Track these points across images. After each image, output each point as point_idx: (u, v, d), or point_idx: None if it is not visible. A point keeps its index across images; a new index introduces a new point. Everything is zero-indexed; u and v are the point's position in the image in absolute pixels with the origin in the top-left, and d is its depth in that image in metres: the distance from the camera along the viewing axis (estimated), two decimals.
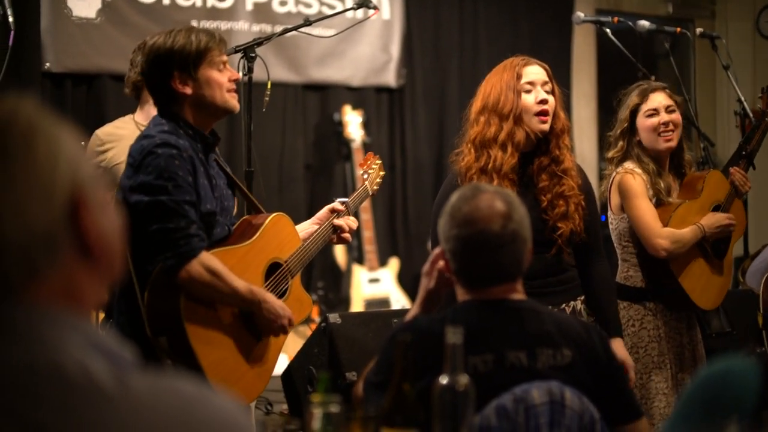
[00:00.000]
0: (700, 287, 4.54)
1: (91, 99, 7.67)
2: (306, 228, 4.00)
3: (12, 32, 5.36)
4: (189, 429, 1.30)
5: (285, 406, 4.89)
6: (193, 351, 3.36)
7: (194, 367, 3.34)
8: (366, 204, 8.19)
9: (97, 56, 7.59)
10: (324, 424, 2.02)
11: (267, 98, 4.77)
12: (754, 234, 6.69)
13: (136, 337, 3.38)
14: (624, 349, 4.10)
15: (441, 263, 2.77)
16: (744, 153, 4.93)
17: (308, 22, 5.05)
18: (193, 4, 8.06)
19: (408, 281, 8.70)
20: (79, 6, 7.55)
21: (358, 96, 8.82)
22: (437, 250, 2.78)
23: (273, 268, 3.72)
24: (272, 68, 5.08)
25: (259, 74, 4.73)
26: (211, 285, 3.39)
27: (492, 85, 4.06)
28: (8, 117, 1.35)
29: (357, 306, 8.14)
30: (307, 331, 6.60)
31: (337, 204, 4.07)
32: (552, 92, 4.02)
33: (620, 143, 4.65)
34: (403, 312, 4.90)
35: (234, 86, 3.61)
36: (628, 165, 4.56)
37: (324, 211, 4.06)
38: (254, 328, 3.60)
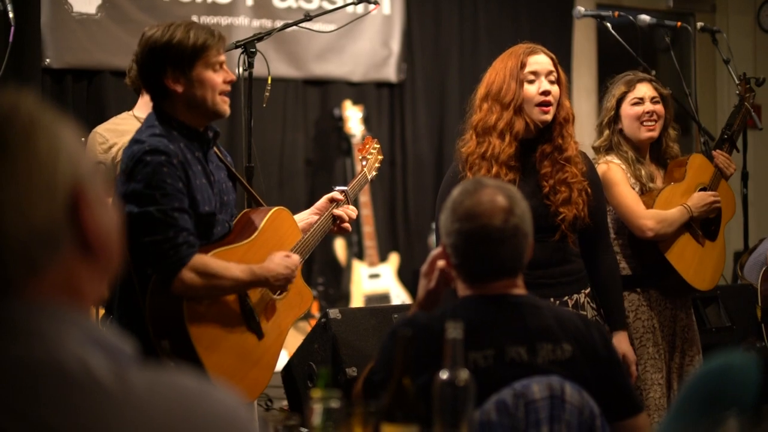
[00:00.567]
0: (694, 268, 4.55)
1: (91, 95, 7.66)
2: (305, 218, 3.98)
3: (12, 28, 5.36)
4: (189, 423, 1.30)
5: (285, 402, 4.90)
6: (197, 353, 3.36)
7: (197, 368, 3.33)
8: (366, 199, 8.19)
9: (98, 52, 7.58)
10: (324, 420, 2.02)
11: (267, 93, 4.76)
12: (753, 228, 6.70)
13: (138, 338, 3.37)
14: (628, 343, 4.11)
15: (441, 263, 2.77)
16: (726, 136, 4.96)
17: (308, 17, 5.04)
18: (194, 0, 8.06)
19: (408, 277, 8.70)
20: (79, 2, 7.54)
21: (358, 91, 8.82)
22: (436, 251, 2.77)
23: None
24: (272, 63, 5.07)
25: (259, 69, 4.73)
26: (209, 286, 3.38)
27: (496, 72, 4.07)
28: (9, 112, 1.34)
29: (357, 301, 8.14)
30: (307, 326, 6.60)
31: (336, 193, 4.06)
32: (557, 81, 4.02)
33: (605, 132, 4.68)
34: (403, 307, 4.90)
35: (228, 88, 3.54)
36: (606, 156, 4.59)
37: (323, 201, 4.05)
38: (256, 325, 3.60)
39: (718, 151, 4.85)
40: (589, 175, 4.08)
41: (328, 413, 2.02)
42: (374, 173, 4.42)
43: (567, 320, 2.74)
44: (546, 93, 3.96)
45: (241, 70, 4.64)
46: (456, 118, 8.99)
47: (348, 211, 4.04)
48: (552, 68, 4.02)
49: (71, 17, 7.51)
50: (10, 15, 5.38)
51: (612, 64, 9.82)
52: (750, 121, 5.85)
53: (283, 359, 5.41)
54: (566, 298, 3.99)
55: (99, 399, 1.26)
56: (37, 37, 7.38)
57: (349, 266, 8.34)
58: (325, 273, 8.52)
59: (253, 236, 3.64)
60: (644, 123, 4.58)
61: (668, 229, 4.47)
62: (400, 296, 8.26)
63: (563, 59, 9.42)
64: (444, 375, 2.15)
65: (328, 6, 8.23)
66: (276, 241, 3.73)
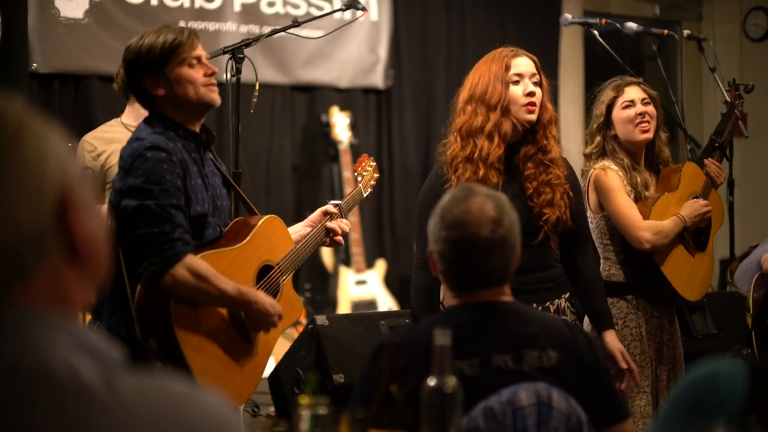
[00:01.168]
0: (685, 279, 4.56)
1: (78, 100, 7.64)
2: (299, 230, 3.99)
3: None
4: (178, 428, 1.30)
5: (272, 408, 4.89)
6: (183, 354, 3.36)
7: (183, 370, 3.34)
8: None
9: (85, 57, 7.56)
10: (312, 426, 2.02)
11: (255, 99, 4.76)
12: (739, 236, 6.72)
13: (126, 337, 3.39)
14: (617, 341, 4.13)
15: None
16: (717, 145, 4.97)
17: (296, 23, 5.04)
18: (181, 5, 8.05)
19: (395, 283, 8.69)
20: (66, 6, 7.53)
21: (345, 97, 8.82)
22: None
23: (265, 271, 3.72)
24: (260, 69, 5.06)
25: (247, 75, 4.73)
26: (198, 288, 3.38)
27: (480, 75, 4.08)
28: None
29: (344, 308, 8.14)
30: (294, 333, 6.59)
31: (329, 206, 4.07)
32: (539, 84, 4.06)
33: (597, 138, 4.67)
34: (390, 314, 4.90)
35: (211, 80, 3.56)
36: (602, 162, 4.58)
37: (317, 214, 4.06)
38: (245, 331, 3.60)
39: (709, 159, 4.85)
40: (571, 179, 4.12)
41: (316, 420, 2.02)
42: (369, 190, 4.44)
43: (553, 327, 2.75)
44: (531, 94, 4.00)
45: (228, 75, 4.64)
46: (443, 125, 9.00)
47: (341, 225, 4.05)
48: (535, 71, 4.06)
49: (58, 22, 7.49)
50: None
51: (599, 72, 9.83)
52: (737, 129, 5.87)
53: (270, 365, 5.39)
54: (548, 303, 4.02)
55: (88, 404, 1.26)
56: (24, 42, 7.35)
57: (336, 272, 8.34)
58: (312, 279, 8.51)
59: (244, 241, 3.64)
60: (639, 125, 4.57)
61: (664, 241, 4.48)
62: (386, 303, 8.26)
63: (550, 66, 9.45)
64: (432, 382, 2.15)
65: (316, 12, 8.23)
66: (267, 248, 3.73)
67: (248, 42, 4.72)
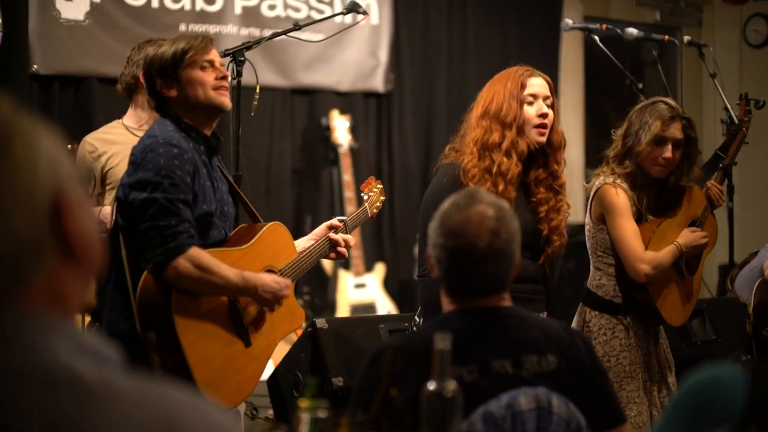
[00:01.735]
0: (670, 304, 4.56)
1: (79, 101, 7.64)
2: (302, 243, 4.04)
3: (0, 33, 5.35)
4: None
5: (271, 411, 4.89)
6: (182, 347, 3.39)
7: (181, 363, 3.37)
8: (352, 209, 8.18)
9: (86, 59, 7.56)
10: (311, 430, 2.02)
11: (255, 102, 4.76)
12: (738, 242, 6.72)
13: (126, 332, 3.44)
14: None
15: None
16: (721, 165, 4.94)
17: (297, 26, 5.05)
18: (182, 8, 8.05)
19: (394, 287, 8.70)
20: (67, 8, 7.52)
21: (345, 101, 8.82)
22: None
23: None
24: (261, 72, 5.07)
25: (247, 78, 4.73)
26: (201, 279, 3.43)
27: (495, 92, 4.13)
28: None
29: (343, 311, 8.14)
30: (294, 336, 6.59)
31: (335, 221, 4.14)
32: (552, 107, 4.11)
33: (621, 149, 4.57)
34: (389, 317, 4.90)
35: (222, 84, 3.68)
36: (614, 177, 4.53)
37: (322, 228, 4.12)
38: (244, 332, 3.61)
39: (711, 182, 4.82)
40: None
41: (315, 423, 2.02)
42: (375, 211, 4.48)
43: (552, 331, 2.75)
44: (544, 115, 4.07)
45: (229, 79, 4.64)
46: (443, 129, 9.00)
47: (346, 237, 4.10)
48: (548, 93, 4.12)
49: (59, 23, 7.49)
50: None
51: (599, 77, 9.86)
52: None
53: (269, 368, 5.39)
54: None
55: (87, 402, 1.26)
56: (25, 44, 7.35)
57: (335, 276, 8.34)
58: (311, 282, 8.51)
59: (249, 243, 3.70)
60: (658, 164, 4.52)
61: (661, 274, 4.47)
62: (385, 306, 8.26)
63: (551, 71, 9.43)
64: (431, 386, 2.15)
65: (317, 16, 8.22)
66: (271, 253, 3.77)
67: (249, 45, 4.73)
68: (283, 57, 8.42)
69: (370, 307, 8.20)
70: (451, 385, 2.15)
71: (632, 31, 5.80)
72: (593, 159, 4.82)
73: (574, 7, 9.83)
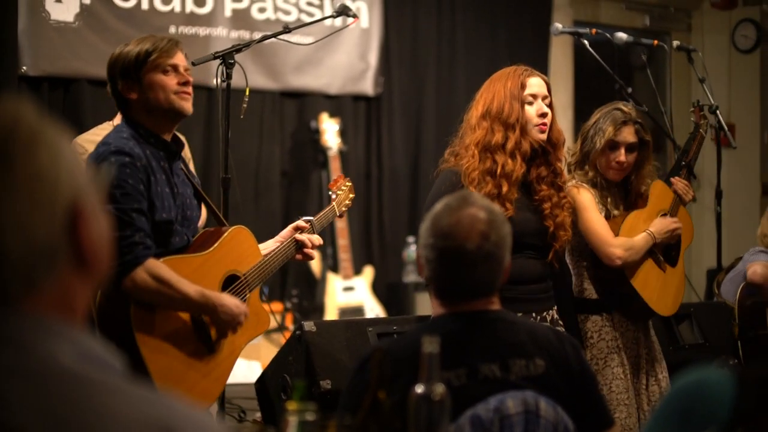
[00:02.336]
0: (657, 294, 4.58)
1: (68, 103, 7.63)
2: (269, 246, 3.98)
3: None
4: None
5: (258, 414, 4.88)
6: (142, 357, 3.36)
7: (142, 374, 3.33)
8: None
9: (75, 60, 7.55)
10: None
11: (245, 105, 4.76)
12: (726, 246, 6.73)
13: None
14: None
15: None
16: (684, 163, 4.99)
17: (287, 29, 5.05)
18: (172, 10, 8.04)
19: (382, 290, 8.70)
20: (57, 9, 7.51)
21: (335, 104, 8.82)
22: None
23: (230, 281, 3.71)
24: (250, 75, 5.07)
25: (237, 81, 4.73)
26: (159, 292, 3.39)
27: (495, 92, 4.12)
28: (11, 125, 1.33)
29: (331, 314, 8.13)
30: (281, 338, 6.59)
31: (301, 222, 4.08)
32: (550, 105, 4.13)
33: (578, 155, 4.69)
34: (377, 321, 4.90)
35: (184, 89, 3.62)
36: (578, 179, 4.61)
37: (287, 230, 4.06)
38: (206, 336, 3.59)
39: (677, 177, 4.88)
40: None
41: (303, 426, 2.02)
42: (344, 209, 4.43)
43: (540, 335, 2.75)
44: (544, 115, 4.10)
45: (219, 81, 4.64)
46: (432, 133, 9.02)
47: (312, 238, 4.04)
48: (547, 92, 4.14)
49: (49, 25, 7.48)
50: None
51: (589, 82, 9.87)
52: (724, 140, 5.90)
53: (257, 371, 5.38)
54: (545, 313, 4.13)
55: (87, 403, 1.26)
56: (14, 45, 7.34)
57: (323, 279, 8.33)
58: (299, 285, 8.51)
59: (210, 249, 3.64)
60: (613, 169, 4.61)
61: (635, 257, 4.51)
62: (374, 309, 8.26)
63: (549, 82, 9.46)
64: (419, 389, 2.15)
65: (307, 19, 8.23)
66: (234, 258, 3.72)
67: (239, 48, 4.73)
68: (272, 60, 8.42)
69: (359, 310, 8.20)
70: (439, 389, 2.15)
71: (622, 35, 5.80)
72: None
73: (564, 11, 9.85)
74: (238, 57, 4.70)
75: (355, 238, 8.71)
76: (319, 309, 8.26)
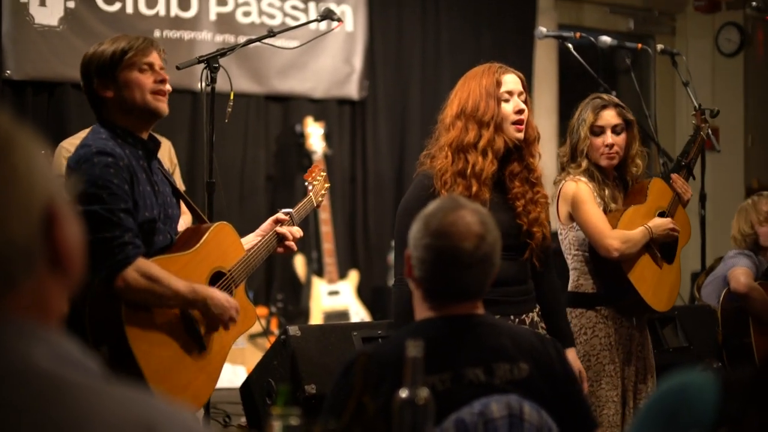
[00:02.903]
0: (652, 289, 4.60)
1: (52, 107, 7.62)
2: (251, 240, 3.98)
3: None
4: None
5: (243, 419, 4.88)
6: (135, 359, 3.35)
7: (136, 376, 3.32)
8: (326, 216, 8.20)
9: (59, 64, 7.54)
10: None
11: (230, 109, 4.76)
12: (710, 249, 6.76)
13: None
14: (577, 360, 4.18)
15: None
16: (683, 163, 5.01)
17: (272, 33, 5.04)
18: (157, 14, 8.04)
19: (367, 294, 8.70)
20: (41, 13, 7.50)
21: (320, 108, 8.82)
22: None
23: (216, 277, 3.71)
24: (235, 79, 5.07)
25: (221, 85, 4.73)
26: (150, 290, 3.38)
27: (470, 90, 4.06)
28: None
29: (316, 318, 8.13)
30: (266, 343, 6.59)
31: (280, 214, 4.07)
32: (525, 102, 4.07)
33: (568, 149, 4.72)
34: (362, 325, 4.90)
35: (160, 88, 3.59)
36: (573, 173, 4.62)
37: (267, 223, 4.06)
38: (198, 337, 3.59)
39: (676, 175, 4.90)
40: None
41: (288, 431, 2.02)
42: (320, 200, 4.43)
43: (523, 339, 2.75)
44: (521, 111, 4.02)
45: (203, 85, 4.64)
46: (417, 136, 9.01)
47: (292, 230, 4.04)
48: (522, 89, 4.07)
49: (33, 29, 7.47)
50: None
51: (573, 85, 9.88)
52: (708, 144, 5.92)
53: (241, 376, 5.37)
54: (524, 315, 4.05)
55: (67, 404, 1.27)
56: None
57: (308, 283, 8.33)
58: (284, 289, 8.50)
59: (195, 247, 3.63)
60: (603, 154, 4.63)
61: (632, 250, 4.52)
62: (359, 313, 8.26)
63: (524, 78, 9.47)
64: (404, 394, 2.15)
65: (292, 22, 8.23)
66: (218, 255, 3.72)
67: (223, 51, 4.72)
68: (257, 64, 8.42)
69: (344, 315, 8.20)
70: (423, 393, 2.15)
71: (606, 39, 5.82)
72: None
73: (548, 14, 9.87)
74: (222, 61, 4.69)
75: (340, 243, 8.71)
76: (304, 313, 8.25)
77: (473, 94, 4.04)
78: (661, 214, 4.72)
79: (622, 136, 4.64)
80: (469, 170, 3.95)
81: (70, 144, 4.92)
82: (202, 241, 3.66)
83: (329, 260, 8.30)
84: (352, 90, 8.96)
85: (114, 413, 1.28)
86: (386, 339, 2.76)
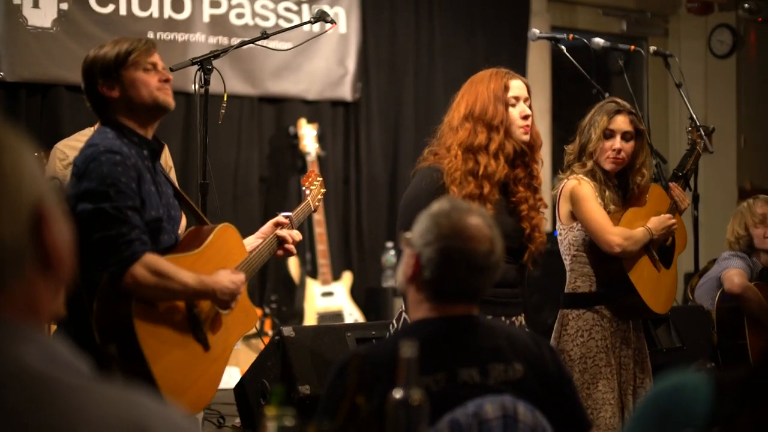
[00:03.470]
0: (651, 291, 4.62)
1: (45, 109, 7.60)
2: (251, 242, 4.00)
3: None
4: None
5: (238, 420, 4.88)
6: (144, 356, 3.36)
7: (144, 373, 3.33)
8: (320, 218, 8.19)
9: (53, 66, 7.53)
10: None
11: (223, 111, 4.76)
12: (704, 251, 6.77)
13: (83, 346, 3.36)
14: None
15: None
16: (680, 174, 5.05)
17: (265, 35, 5.04)
18: (150, 15, 8.03)
19: (361, 295, 8.70)
20: (34, 15, 7.49)
21: (313, 109, 8.82)
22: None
23: None
24: (228, 81, 5.07)
25: (215, 86, 4.73)
26: (159, 285, 3.40)
27: (478, 93, 4.11)
28: None
29: (310, 319, 8.13)
30: (261, 344, 6.59)
31: (280, 217, 4.10)
32: (529, 108, 4.13)
33: (577, 149, 4.72)
34: (356, 326, 4.90)
35: (164, 86, 3.62)
36: (576, 172, 4.63)
37: (268, 226, 4.08)
38: (203, 336, 3.60)
39: (674, 183, 4.93)
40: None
41: (282, 431, 2.02)
42: (317, 204, 4.46)
43: (518, 339, 2.76)
44: (527, 117, 4.10)
45: (197, 86, 4.64)
46: (411, 137, 9.02)
47: (292, 234, 4.07)
48: (527, 95, 4.14)
49: (26, 30, 7.46)
50: None
51: (566, 87, 9.90)
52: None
53: (236, 376, 5.37)
54: (513, 318, 4.10)
55: (58, 404, 1.27)
56: None
57: (302, 284, 8.33)
58: (278, 291, 8.50)
59: (200, 248, 3.65)
60: (609, 158, 4.64)
61: (634, 248, 4.54)
62: (353, 315, 8.26)
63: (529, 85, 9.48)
64: (398, 394, 2.16)
65: (285, 24, 8.22)
66: (222, 256, 3.74)
67: (217, 53, 4.73)
68: (251, 65, 8.41)
69: (338, 316, 8.20)
70: (417, 394, 2.16)
71: (599, 41, 5.82)
72: (560, 167, 4.88)
73: (542, 16, 9.88)
74: (216, 63, 4.69)
75: (334, 244, 8.70)
76: (298, 314, 8.25)
77: (481, 97, 4.10)
78: None
79: (631, 144, 4.66)
80: (481, 171, 4.00)
81: (66, 146, 4.92)
82: (207, 242, 3.68)
83: (323, 261, 8.29)
84: (346, 92, 8.95)
85: (106, 414, 1.28)
86: (381, 339, 2.76)
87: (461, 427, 2.48)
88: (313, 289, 8.29)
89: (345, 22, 8.86)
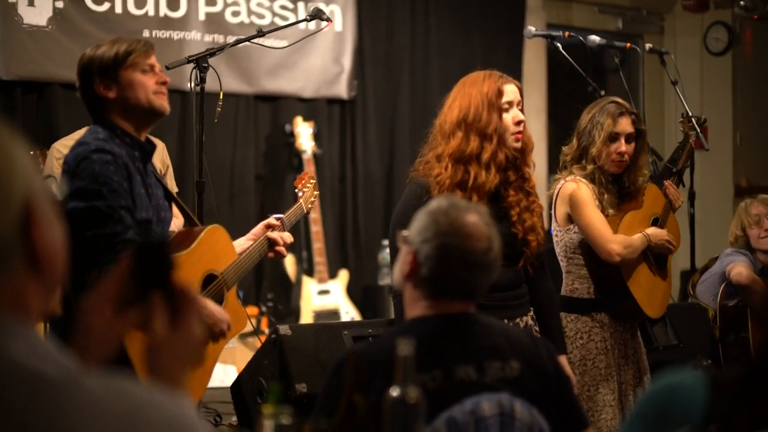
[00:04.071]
0: (647, 296, 4.61)
1: (41, 107, 7.60)
2: (242, 243, 3.98)
3: None
4: (142, 428, 1.30)
5: (234, 418, 4.88)
6: (128, 355, 3.35)
7: (131, 374, 3.31)
8: (316, 216, 8.19)
9: (48, 64, 7.52)
10: None
11: (219, 109, 4.76)
12: (700, 248, 6.77)
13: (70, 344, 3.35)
14: (568, 366, 4.14)
15: None
16: (674, 171, 5.03)
17: (261, 33, 5.04)
18: (146, 13, 8.02)
19: (357, 293, 8.70)
20: (30, 13, 7.48)
21: (309, 107, 8.81)
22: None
23: (209, 280, 3.71)
24: (224, 79, 5.06)
25: (211, 85, 4.73)
26: None
27: (470, 98, 4.00)
28: None
29: (306, 318, 8.12)
30: (257, 342, 6.59)
31: (272, 219, 4.08)
32: (522, 111, 4.05)
33: (577, 149, 4.67)
34: (352, 324, 4.90)
35: (161, 89, 3.61)
36: (575, 174, 4.61)
37: (259, 227, 4.06)
38: None
39: (668, 182, 4.91)
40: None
41: (279, 430, 2.02)
42: (310, 206, 4.44)
43: (515, 338, 2.76)
44: (520, 123, 4.00)
45: (192, 84, 4.64)
46: (407, 136, 9.02)
47: (283, 236, 4.04)
48: (520, 98, 4.05)
49: (21, 29, 7.45)
50: None
51: (562, 84, 9.91)
52: (697, 143, 5.93)
53: (232, 375, 5.37)
54: (518, 319, 4.05)
55: (50, 398, 1.27)
56: None
57: (298, 282, 8.33)
58: (274, 289, 8.50)
59: (188, 249, 3.63)
60: (613, 161, 4.60)
61: (633, 255, 4.53)
62: (349, 313, 8.26)
63: (514, 78, 9.47)
64: (394, 392, 2.16)
65: (281, 22, 8.22)
66: (211, 257, 3.72)
67: (212, 51, 4.72)
68: (246, 63, 8.41)
69: (334, 314, 8.20)
70: (414, 392, 2.16)
71: (594, 38, 5.83)
72: (556, 166, 4.85)
73: (537, 14, 9.88)
74: (211, 61, 4.69)
75: (330, 242, 8.70)
76: (295, 312, 8.25)
77: (474, 102, 3.98)
78: (655, 221, 4.73)
79: (633, 145, 4.62)
80: (470, 182, 3.92)
81: (63, 145, 4.92)
82: (195, 243, 3.66)
83: (319, 260, 8.29)
84: (342, 90, 8.95)
85: (96, 407, 1.28)
86: (377, 337, 2.75)
87: (458, 424, 2.48)
88: (310, 287, 8.29)
89: (341, 19, 8.86)
